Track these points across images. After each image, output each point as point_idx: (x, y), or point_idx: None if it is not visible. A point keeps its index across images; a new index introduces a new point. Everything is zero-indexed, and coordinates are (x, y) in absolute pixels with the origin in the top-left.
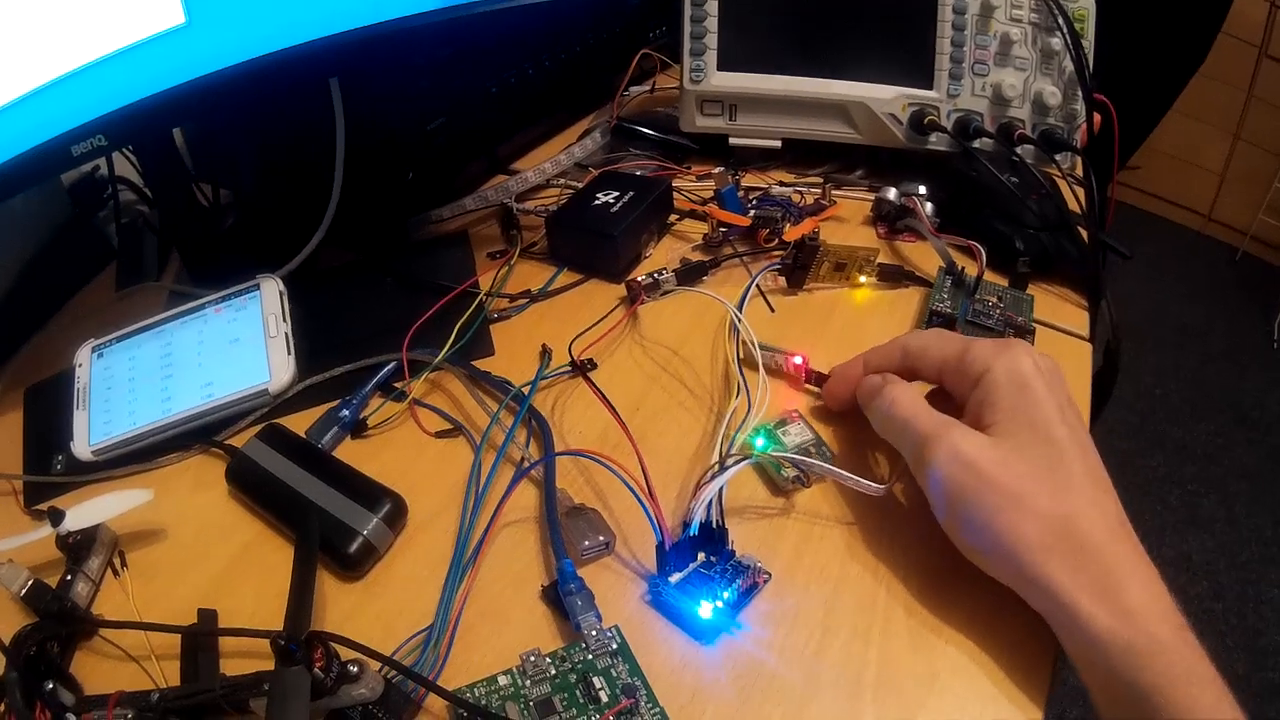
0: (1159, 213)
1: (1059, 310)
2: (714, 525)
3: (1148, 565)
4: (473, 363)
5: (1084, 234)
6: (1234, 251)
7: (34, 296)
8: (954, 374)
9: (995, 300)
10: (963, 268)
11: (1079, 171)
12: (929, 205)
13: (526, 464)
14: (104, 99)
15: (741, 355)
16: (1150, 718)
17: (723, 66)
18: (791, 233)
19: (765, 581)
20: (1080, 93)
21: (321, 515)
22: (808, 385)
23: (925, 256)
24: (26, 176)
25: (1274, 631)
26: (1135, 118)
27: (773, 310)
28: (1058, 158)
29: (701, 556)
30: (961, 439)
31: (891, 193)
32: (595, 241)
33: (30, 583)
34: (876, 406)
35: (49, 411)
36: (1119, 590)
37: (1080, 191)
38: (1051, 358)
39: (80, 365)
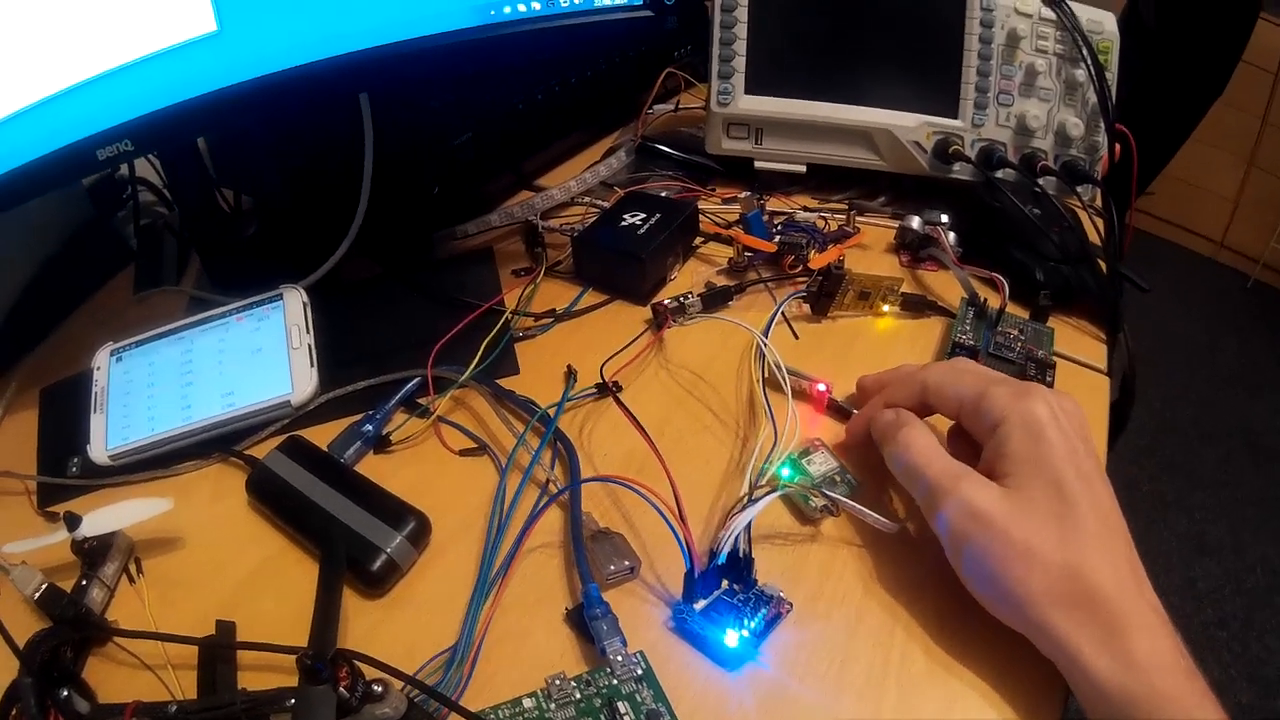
0: (1171, 238)
1: (1077, 342)
2: (741, 555)
3: (1155, 613)
4: (498, 381)
5: (1103, 265)
6: (1246, 279)
7: (50, 296)
8: (971, 416)
9: (1016, 333)
10: (984, 299)
11: (1098, 202)
12: (951, 235)
13: (553, 486)
14: (132, 104)
15: (766, 381)
16: None
17: (750, 90)
18: (817, 260)
19: (788, 611)
20: (1102, 124)
21: (344, 531)
22: (828, 415)
23: (947, 286)
24: (51, 178)
25: (1278, 660)
26: (1154, 147)
27: (796, 337)
28: (1079, 189)
29: (726, 584)
30: (972, 492)
31: (915, 221)
32: (622, 263)
33: (44, 586)
34: (890, 451)
35: (65, 413)
36: (1123, 640)
37: (1098, 222)
38: (1073, 400)
39: (98, 368)
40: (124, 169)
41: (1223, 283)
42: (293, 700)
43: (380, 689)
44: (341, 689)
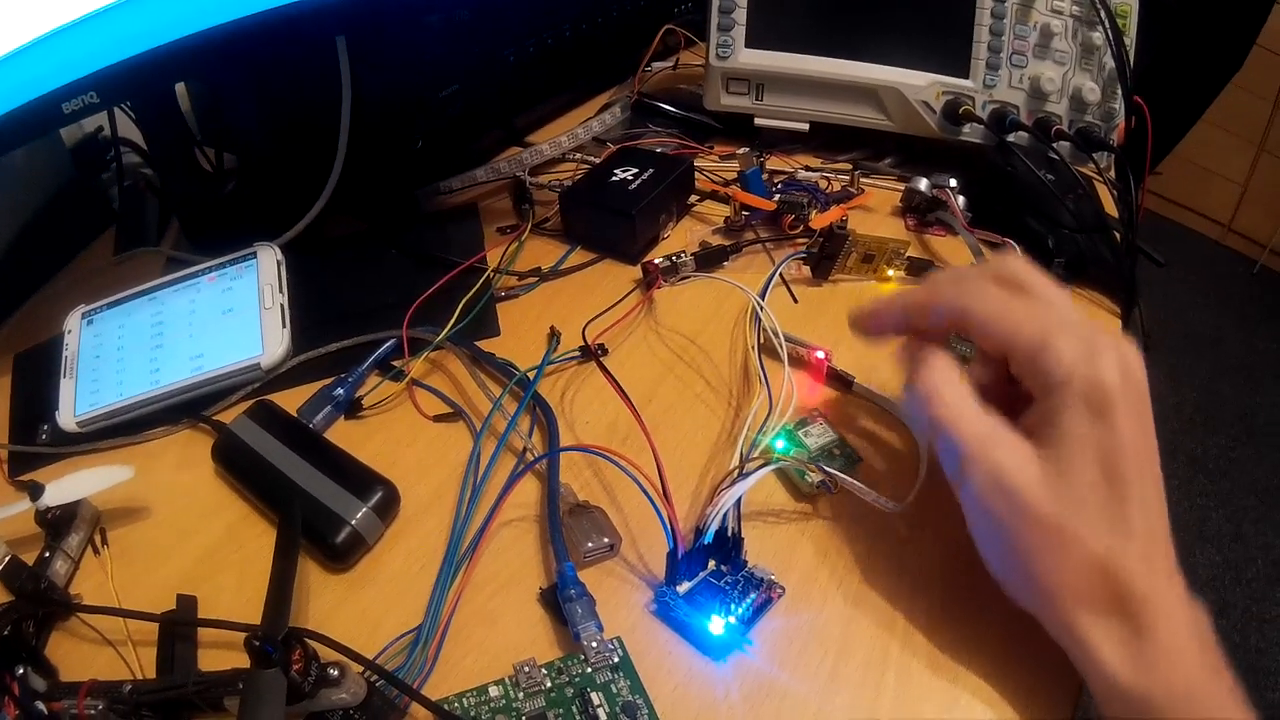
0: (1178, 219)
1: (1092, 315)
2: (729, 534)
3: (1184, 607)
4: (477, 343)
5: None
6: (1252, 264)
7: (32, 259)
8: (1025, 365)
9: None
10: None
11: (1110, 173)
12: (961, 199)
13: (530, 455)
14: (95, 54)
15: (762, 346)
16: None
17: (751, 44)
18: (818, 220)
19: (779, 596)
20: (1120, 91)
21: (308, 501)
22: (828, 384)
23: (954, 252)
24: (15, 134)
25: (1277, 651)
26: (1168, 123)
27: (795, 300)
28: (1095, 157)
29: (712, 564)
30: (1006, 460)
31: (923, 183)
32: (611, 220)
33: (8, 559)
34: (913, 392)
35: (37, 379)
36: (1147, 642)
37: (1106, 193)
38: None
39: (70, 332)
40: (106, 129)
41: (1229, 267)
42: (243, 682)
43: (336, 672)
44: (294, 672)
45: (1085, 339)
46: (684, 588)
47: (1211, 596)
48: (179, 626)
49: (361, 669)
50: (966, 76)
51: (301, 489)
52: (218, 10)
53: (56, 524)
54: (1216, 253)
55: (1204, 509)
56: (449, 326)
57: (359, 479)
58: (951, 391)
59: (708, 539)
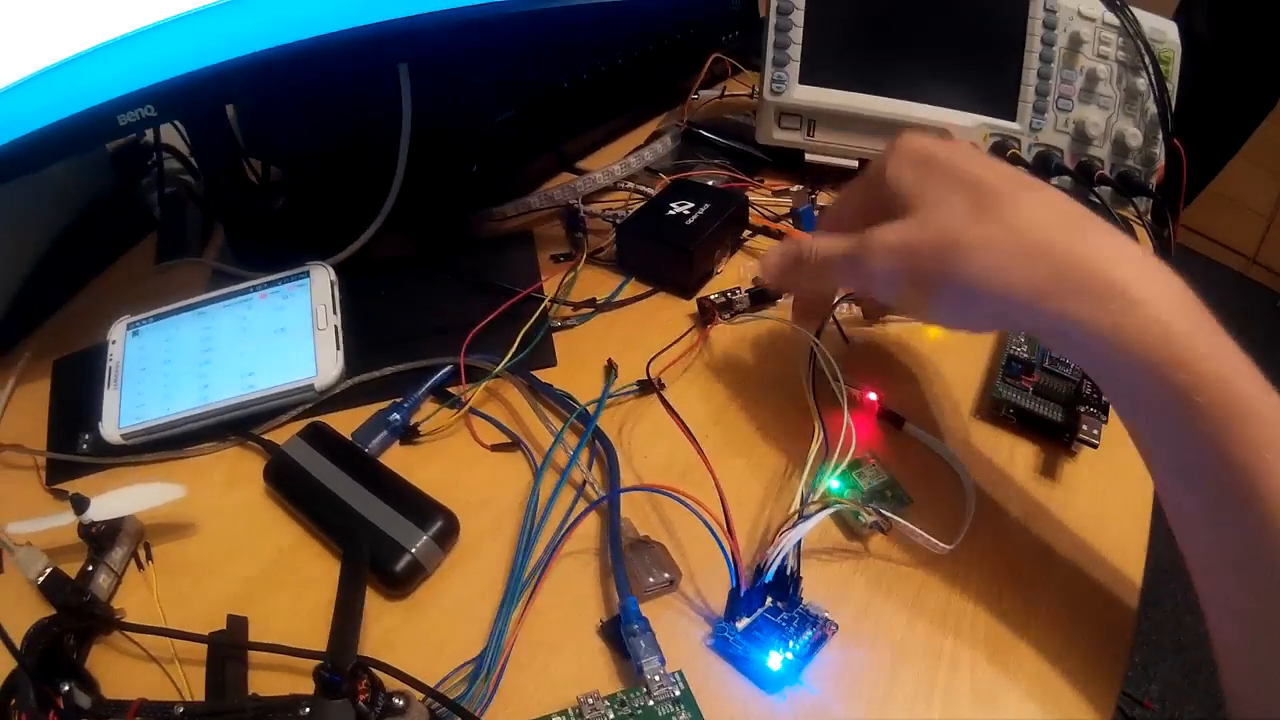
0: (1201, 250)
1: None
2: (788, 573)
3: (1145, 259)
4: (534, 373)
5: None
6: (1276, 297)
7: (69, 264)
8: (875, 203)
9: None
10: None
11: (1147, 216)
12: None
13: (590, 488)
14: (156, 68)
15: (816, 386)
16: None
17: (805, 80)
18: None
19: (834, 633)
20: (1160, 135)
21: (366, 528)
22: (879, 424)
23: None
24: (71, 143)
25: None
26: (1202, 161)
27: (847, 341)
28: (1135, 201)
29: (769, 601)
30: (882, 235)
31: None
32: (669, 253)
33: (49, 571)
34: (804, 267)
35: (78, 387)
36: (1122, 301)
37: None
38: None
39: (114, 342)
40: (149, 135)
41: (1252, 299)
42: (307, 709)
43: (401, 702)
44: (360, 702)
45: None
46: (742, 624)
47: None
48: (230, 648)
49: (424, 698)
50: (1014, 119)
51: (359, 514)
52: (284, 31)
53: (100, 538)
54: (1240, 284)
55: None
56: (509, 356)
57: (418, 506)
58: (823, 240)
59: (768, 578)
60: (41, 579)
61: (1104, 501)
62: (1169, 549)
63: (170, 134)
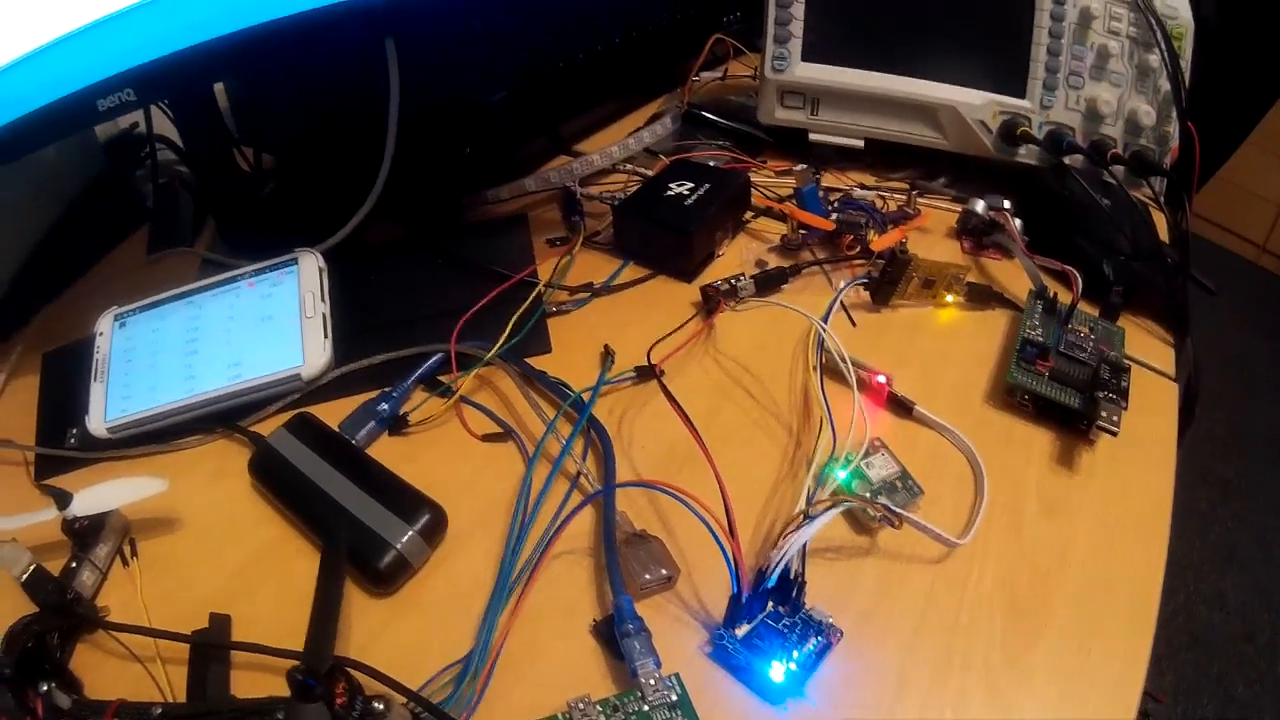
0: (1211, 237)
1: (1144, 344)
2: (792, 577)
3: None
4: (527, 360)
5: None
6: None
7: (62, 255)
8: None
9: (1087, 331)
10: (1054, 293)
11: (1164, 197)
12: (1017, 221)
13: (584, 480)
14: (133, 50)
15: (823, 371)
16: None
17: (807, 57)
18: (877, 242)
19: (838, 640)
20: (1174, 114)
21: (350, 522)
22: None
23: (1010, 276)
24: (50, 131)
25: None
26: (1213, 147)
27: (854, 325)
28: (1149, 181)
29: (770, 605)
30: None
31: (980, 205)
32: (668, 236)
33: (32, 568)
34: None
35: (67, 381)
36: None
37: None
38: None
39: (101, 334)
40: (141, 125)
41: (1263, 287)
42: (281, 714)
43: (381, 706)
44: (337, 706)
45: None
46: (742, 630)
47: (1240, 621)
48: (212, 648)
49: (406, 701)
50: (1023, 96)
51: (344, 509)
52: (259, 9)
53: (84, 534)
54: (1250, 272)
55: (1233, 532)
56: (500, 342)
57: (404, 500)
58: None
59: (771, 583)
60: (25, 576)
61: (1124, 492)
62: (1181, 540)
63: (165, 125)
